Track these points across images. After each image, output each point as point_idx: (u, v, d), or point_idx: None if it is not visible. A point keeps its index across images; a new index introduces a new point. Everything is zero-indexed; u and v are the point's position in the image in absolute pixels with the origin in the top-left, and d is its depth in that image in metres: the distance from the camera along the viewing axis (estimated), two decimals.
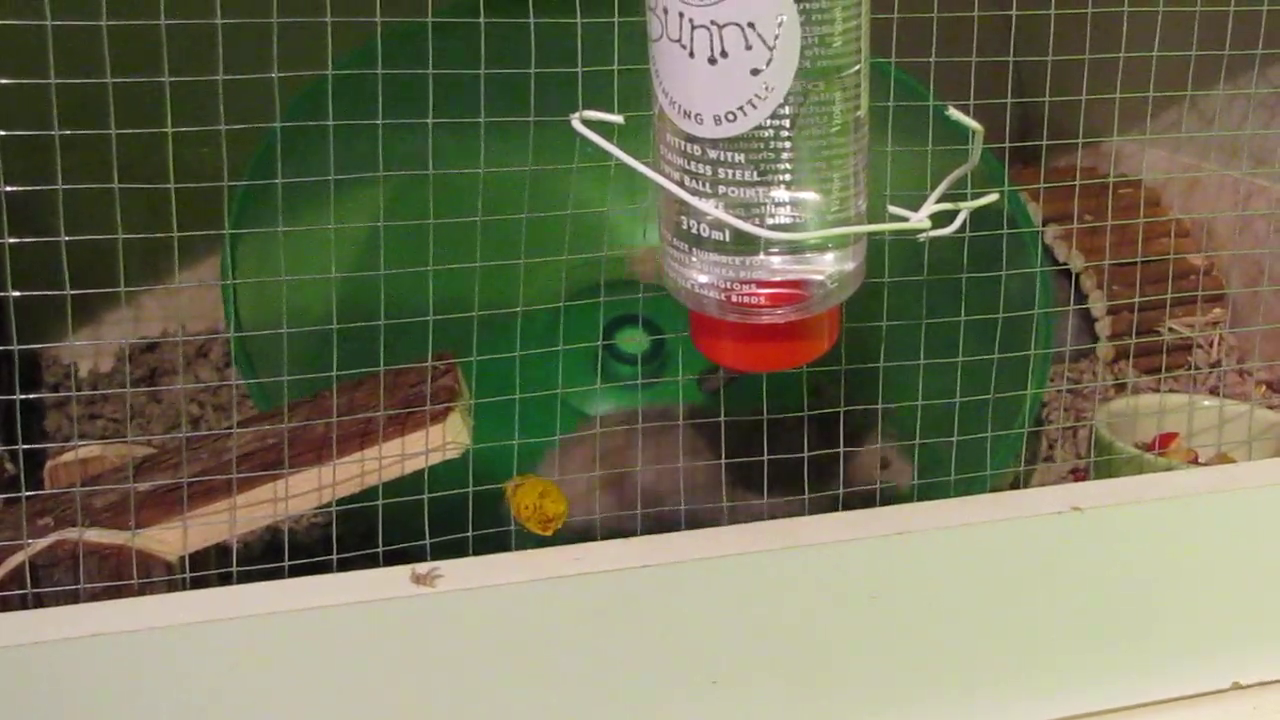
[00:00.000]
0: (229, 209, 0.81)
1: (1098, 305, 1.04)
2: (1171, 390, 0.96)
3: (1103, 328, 1.04)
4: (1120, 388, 0.99)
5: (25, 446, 0.53)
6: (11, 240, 0.52)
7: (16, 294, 0.53)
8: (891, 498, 0.80)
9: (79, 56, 0.51)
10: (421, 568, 0.57)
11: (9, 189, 0.51)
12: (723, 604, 0.60)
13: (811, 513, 0.66)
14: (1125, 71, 0.68)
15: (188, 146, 0.53)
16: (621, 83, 0.61)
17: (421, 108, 0.60)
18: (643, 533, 0.63)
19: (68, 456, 0.68)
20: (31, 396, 0.85)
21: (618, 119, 0.56)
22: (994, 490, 0.79)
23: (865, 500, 0.71)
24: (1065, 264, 1.06)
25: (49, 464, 0.68)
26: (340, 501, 0.62)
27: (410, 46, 0.66)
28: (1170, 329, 1.03)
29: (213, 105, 0.53)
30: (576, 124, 0.56)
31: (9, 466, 0.76)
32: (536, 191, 0.72)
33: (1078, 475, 0.93)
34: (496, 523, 0.64)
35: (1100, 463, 0.87)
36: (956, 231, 0.59)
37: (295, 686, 0.55)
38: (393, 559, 0.60)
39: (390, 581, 0.57)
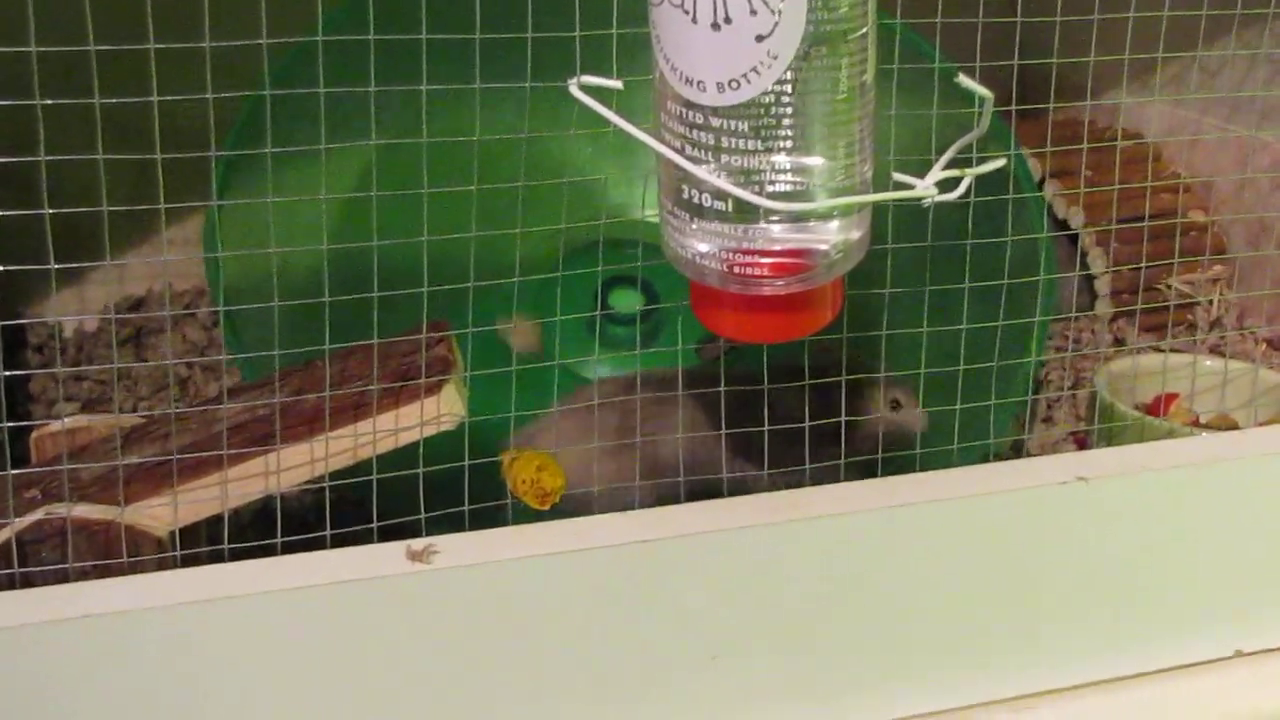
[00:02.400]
0: (215, 166, 0.79)
1: (1098, 263, 1.02)
2: (1173, 350, 0.95)
3: (1102, 285, 1.03)
4: (1119, 346, 0.99)
5: (11, 424, 0.52)
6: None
7: (1, 268, 0.52)
8: (905, 443, 0.79)
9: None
10: (417, 544, 0.56)
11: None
12: (723, 578, 0.59)
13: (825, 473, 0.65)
14: (1128, 25, 0.67)
15: (172, 90, 0.52)
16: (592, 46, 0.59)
17: (410, 60, 0.59)
18: (643, 498, 0.62)
19: (55, 426, 0.66)
20: (21, 373, 0.83)
21: (617, 84, 0.54)
22: (993, 454, 0.78)
23: (875, 449, 0.70)
24: (1064, 219, 1.05)
25: (35, 434, 0.67)
26: (333, 475, 0.61)
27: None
28: (1169, 286, 1.02)
29: (198, 55, 0.51)
30: (574, 90, 0.54)
31: None
32: (527, 148, 0.70)
33: (1078, 438, 0.93)
34: (491, 491, 0.63)
35: (1100, 425, 0.86)
36: (961, 196, 0.58)
37: (289, 666, 0.54)
38: (386, 534, 0.59)
39: (385, 558, 0.55)
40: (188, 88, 0.52)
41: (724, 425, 0.69)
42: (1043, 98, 0.76)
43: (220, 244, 0.76)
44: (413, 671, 0.56)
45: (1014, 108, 0.72)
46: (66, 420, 0.66)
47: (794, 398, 0.71)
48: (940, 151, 0.58)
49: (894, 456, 0.77)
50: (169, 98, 0.52)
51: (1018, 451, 0.86)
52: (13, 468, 0.68)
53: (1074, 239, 1.05)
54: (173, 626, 0.53)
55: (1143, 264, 0.78)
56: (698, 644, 0.59)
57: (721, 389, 0.65)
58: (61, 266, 0.53)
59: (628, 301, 0.88)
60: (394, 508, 0.61)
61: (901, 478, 0.63)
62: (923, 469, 0.66)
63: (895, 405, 0.81)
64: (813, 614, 0.61)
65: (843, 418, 0.67)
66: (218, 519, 0.61)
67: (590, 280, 0.87)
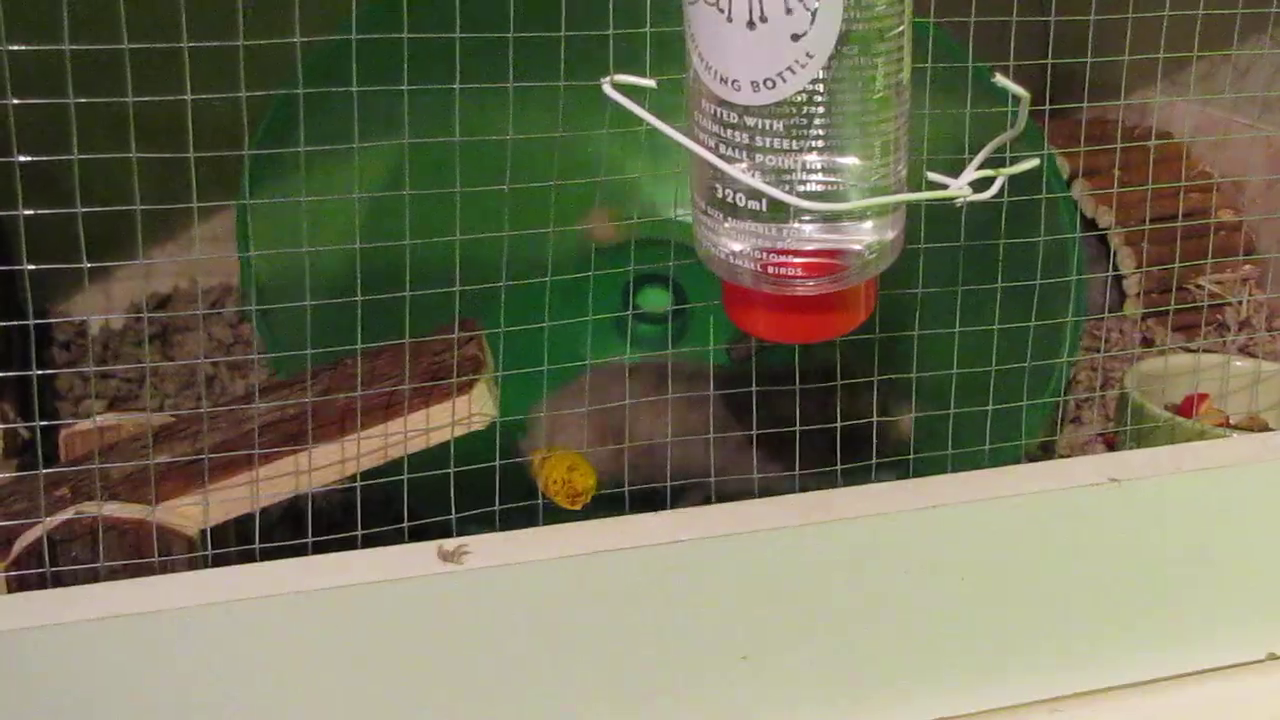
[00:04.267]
0: (245, 164, 0.79)
1: (1127, 262, 1.02)
2: (1203, 350, 0.95)
3: (1131, 285, 1.02)
4: (1148, 347, 0.98)
5: (44, 423, 0.52)
6: (28, 213, 0.50)
7: (31, 267, 0.52)
8: (900, 449, 0.79)
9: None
10: (449, 544, 0.56)
11: (25, 159, 0.50)
12: (754, 578, 0.59)
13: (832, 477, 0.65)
14: (1158, 26, 0.66)
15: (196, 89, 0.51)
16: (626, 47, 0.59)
17: (438, 61, 0.58)
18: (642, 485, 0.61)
19: (84, 425, 0.66)
20: (52, 372, 0.83)
21: (650, 83, 0.54)
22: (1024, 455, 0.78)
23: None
24: (1091, 218, 1.04)
25: (64, 432, 0.67)
26: (363, 475, 0.61)
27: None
28: (1199, 286, 1.01)
29: (220, 54, 0.51)
30: (608, 89, 0.54)
31: (23, 433, 0.74)
32: (556, 151, 0.70)
33: (1107, 440, 0.92)
34: (513, 489, 0.62)
35: (1131, 426, 0.86)
36: (994, 196, 0.57)
37: (321, 666, 0.54)
38: (415, 533, 0.59)
39: (417, 558, 0.55)
40: (209, 87, 0.51)
41: (754, 426, 0.69)
42: (1066, 96, 0.76)
43: (251, 243, 0.76)
44: (444, 672, 0.55)
45: (1047, 107, 0.72)
46: (96, 419, 0.66)
47: (791, 402, 0.71)
48: (966, 151, 0.58)
49: (921, 459, 0.77)
50: (205, 96, 0.52)
51: (1047, 452, 0.86)
52: (47, 467, 0.68)
53: (1101, 238, 1.04)
54: (204, 626, 0.53)
55: (1176, 264, 0.78)
56: (728, 644, 0.59)
57: (753, 389, 0.65)
58: (94, 265, 0.53)
59: (656, 301, 0.88)
60: (418, 507, 0.61)
61: (933, 479, 0.63)
62: (954, 471, 0.65)
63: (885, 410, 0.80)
64: (844, 615, 0.60)
65: (874, 419, 0.67)
66: (246, 518, 0.60)
67: (618, 279, 0.87)
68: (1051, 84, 0.71)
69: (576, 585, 0.56)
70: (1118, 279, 1.04)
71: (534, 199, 0.67)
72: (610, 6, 0.56)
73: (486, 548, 0.56)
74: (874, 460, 0.74)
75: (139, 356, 0.94)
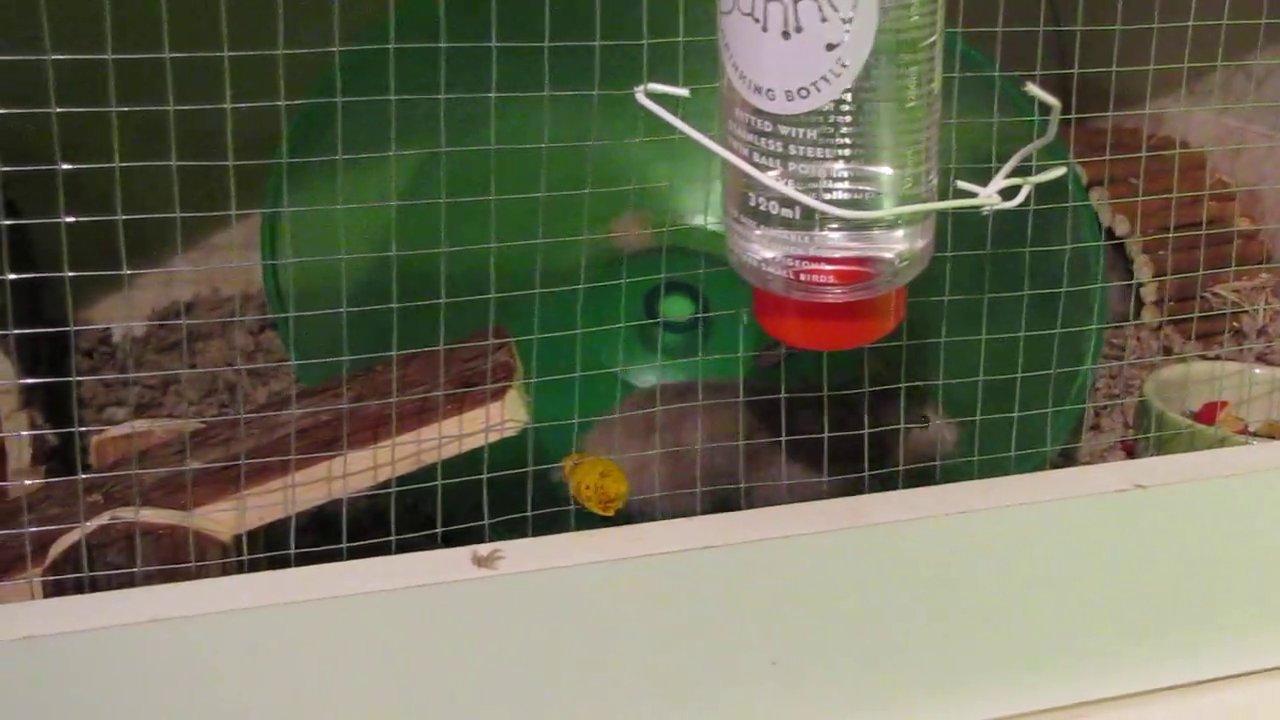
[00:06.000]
0: (270, 172, 0.79)
1: (1144, 270, 1.02)
2: (1218, 357, 0.95)
3: (1148, 293, 1.03)
4: (1168, 355, 0.98)
5: (81, 429, 0.52)
6: (69, 219, 0.51)
7: (71, 274, 0.52)
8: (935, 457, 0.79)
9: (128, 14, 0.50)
10: (483, 549, 0.56)
11: (65, 167, 0.50)
12: (784, 584, 0.59)
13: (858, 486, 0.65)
14: (1176, 35, 0.67)
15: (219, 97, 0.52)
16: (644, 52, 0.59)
17: (464, 64, 0.59)
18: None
19: (115, 431, 0.67)
20: (87, 379, 0.84)
21: (683, 92, 0.55)
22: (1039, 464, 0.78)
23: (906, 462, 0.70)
24: (1108, 227, 1.05)
25: (95, 439, 0.67)
26: (392, 481, 0.62)
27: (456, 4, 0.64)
28: (1216, 294, 1.02)
29: (250, 61, 0.52)
30: (641, 97, 0.54)
31: (50, 439, 0.75)
32: (578, 154, 0.70)
33: (1126, 447, 0.92)
34: (546, 497, 0.63)
35: (1148, 434, 0.86)
36: (1020, 205, 0.58)
37: (356, 671, 0.55)
38: (445, 539, 0.59)
39: (451, 563, 0.56)
40: (232, 96, 0.52)
41: (783, 433, 0.69)
42: (1083, 105, 0.76)
43: (273, 250, 0.76)
44: (478, 677, 0.56)
45: (1073, 116, 0.72)
46: (128, 425, 0.67)
47: (807, 413, 0.71)
48: (989, 159, 0.58)
49: (945, 467, 0.77)
50: (241, 105, 0.52)
51: (1068, 460, 0.86)
52: (73, 474, 0.68)
53: (1117, 247, 1.05)
54: (240, 631, 0.53)
55: (1196, 272, 0.78)
56: (758, 650, 0.59)
57: (782, 396, 0.65)
58: (133, 273, 0.54)
59: (679, 309, 0.88)
60: (446, 513, 0.61)
61: (959, 485, 0.63)
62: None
63: (924, 420, 0.80)
64: (871, 621, 0.61)
65: (901, 425, 0.67)
66: (274, 524, 0.61)
67: (640, 286, 0.87)
68: (1068, 93, 0.72)
69: (609, 590, 0.57)
70: (1135, 287, 1.04)
71: (556, 205, 0.67)
72: (644, 14, 0.56)
73: (520, 553, 0.56)
74: (901, 467, 0.75)
75: (162, 364, 0.94)
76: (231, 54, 0.50)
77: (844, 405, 0.72)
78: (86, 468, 0.76)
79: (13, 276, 0.52)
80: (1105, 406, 0.94)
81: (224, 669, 0.53)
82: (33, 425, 0.73)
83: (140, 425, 0.67)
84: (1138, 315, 1.04)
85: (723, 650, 0.59)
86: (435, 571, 0.55)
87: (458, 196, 0.63)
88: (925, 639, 0.62)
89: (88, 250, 0.54)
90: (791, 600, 0.59)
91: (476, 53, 0.58)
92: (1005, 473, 0.66)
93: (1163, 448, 0.84)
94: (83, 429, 0.57)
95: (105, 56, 0.50)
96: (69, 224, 0.52)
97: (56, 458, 0.76)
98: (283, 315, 0.63)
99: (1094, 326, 0.79)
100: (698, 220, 0.94)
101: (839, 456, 0.72)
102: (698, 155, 0.88)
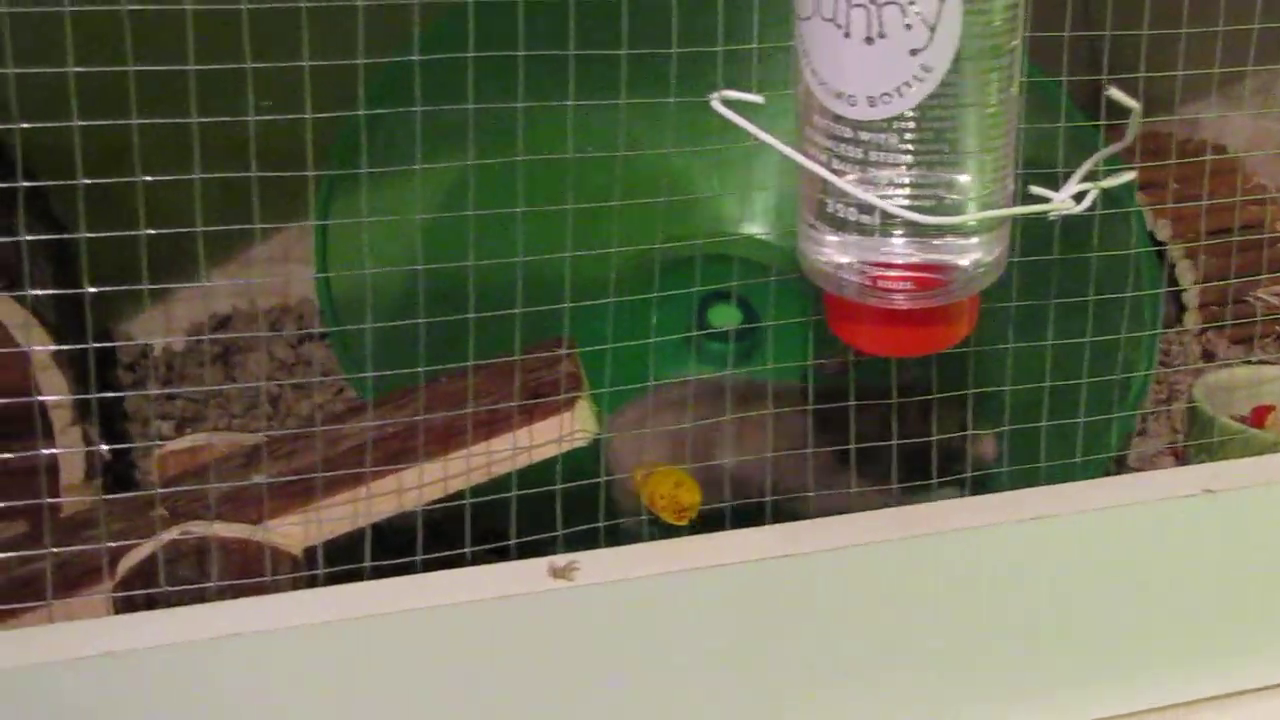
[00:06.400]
0: (319, 184, 0.79)
1: (1186, 275, 1.02)
2: (1263, 361, 0.95)
3: (1191, 298, 1.03)
4: (1212, 360, 0.98)
5: (149, 444, 0.52)
6: (89, 235, 0.50)
7: (93, 290, 0.52)
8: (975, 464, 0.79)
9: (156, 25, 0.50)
10: (559, 560, 0.55)
11: (89, 181, 0.50)
12: (857, 592, 0.59)
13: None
14: (1209, 39, 0.67)
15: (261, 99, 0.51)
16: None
17: (500, 75, 0.58)
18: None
19: (176, 445, 0.66)
20: (150, 393, 0.83)
21: (758, 98, 0.54)
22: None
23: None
24: (1150, 231, 1.04)
25: (158, 452, 0.67)
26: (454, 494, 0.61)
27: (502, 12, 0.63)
28: (1257, 298, 1.01)
29: (287, 75, 0.51)
30: (716, 104, 0.54)
31: (103, 454, 0.74)
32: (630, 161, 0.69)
33: (1174, 452, 0.92)
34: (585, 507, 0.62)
35: (1199, 438, 0.86)
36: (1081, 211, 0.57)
37: (433, 684, 0.54)
38: (503, 552, 0.59)
39: (528, 575, 0.55)
40: (272, 108, 0.51)
41: (852, 441, 0.69)
42: (1114, 111, 0.76)
43: (324, 261, 0.76)
44: (556, 688, 0.55)
45: (1102, 122, 0.72)
46: (187, 439, 0.66)
47: (867, 420, 0.71)
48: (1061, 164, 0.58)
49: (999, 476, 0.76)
50: (279, 116, 0.52)
51: (1120, 466, 0.86)
52: (124, 488, 0.68)
53: (1158, 252, 1.04)
54: (317, 645, 0.53)
55: (1233, 277, 0.78)
56: (834, 658, 0.59)
57: (851, 403, 0.65)
58: (185, 286, 0.53)
59: (726, 318, 0.88)
60: (503, 525, 0.61)
61: (1030, 491, 0.63)
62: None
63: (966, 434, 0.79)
64: (945, 628, 0.60)
65: (968, 432, 0.67)
66: (335, 538, 0.61)
67: (687, 295, 0.87)
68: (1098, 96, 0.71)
69: (686, 600, 0.56)
70: (1177, 292, 1.04)
71: (599, 213, 0.67)
72: (720, 22, 0.56)
73: (597, 563, 0.56)
74: (967, 475, 0.75)
75: (203, 378, 0.94)
76: (312, 63, 0.50)
77: (879, 414, 0.71)
78: (136, 483, 0.76)
79: (34, 292, 0.52)
80: (1155, 412, 0.93)
81: (304, 683, 0.53)
82: (87, 439, 0.73)
83: (199, 439, 0.66)
84: (1179, 320, 1.04)
85: (799, 659, 0.59)
86: (512, 583, 0.55)
87: (507, 205, 0.63)
88: (996, 647, 0.62)
89: (127, 265, 0.54)
90: (864, 608, 0.59)
91: (528, 62, 0.58)
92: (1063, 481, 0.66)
93: (1213, 453, 0.84)
94: (143, 444, 0.57)
95: (127, 69, 0.49)
96: (105, 239, 0.52)
97: (109, 473, 0.75)
98: (354, 327, 0.62)
99: (1148, 333, 0.79)
100: (749, 229, 0.94)
101: (881, 465, 0.72)
102: (742, 164, 0.88)
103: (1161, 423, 0.94)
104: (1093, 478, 0.66)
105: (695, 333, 0.85)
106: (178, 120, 0.51)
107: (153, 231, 0.51)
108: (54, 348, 0.70)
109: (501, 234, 0.62)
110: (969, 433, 0.76)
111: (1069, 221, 0.68)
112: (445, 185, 0.84)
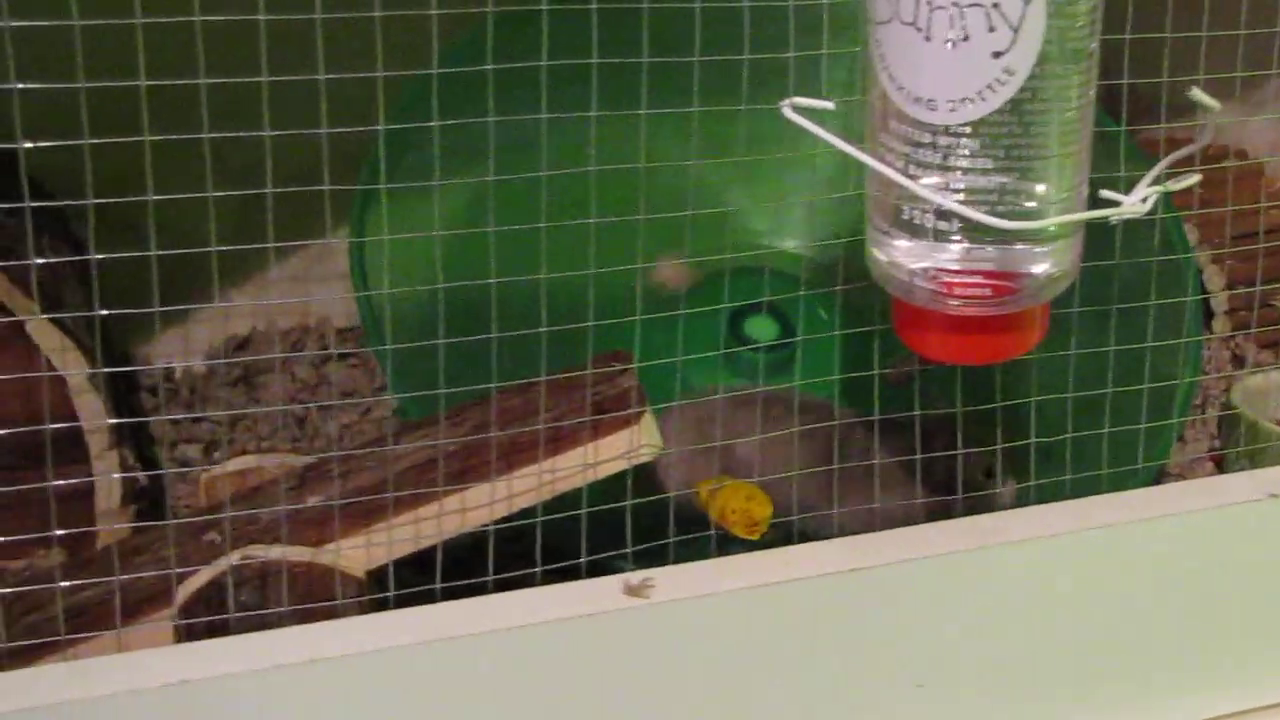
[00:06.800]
0: (354, 198, 0.78)
1: (1214, 280, 1.02)
2: None
3: (1219, 303, 1.02)
4: (1242, 365, 0.98)
5: (197, 469, 0.51)
6: (100, 256, 0.49)
7: (105, 313, 0.51)
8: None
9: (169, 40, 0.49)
10: (633, 578, 0.55)
11: (101, 201, 0.48)
12: (928, 604, 0.58)
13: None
14: (1227, 43, 0.66)
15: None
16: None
17: (523, 87, 0.57)
18: None
19: (222, 468, 0.65)
20: (199, 415, 0.82)
21: (829, 105, 0.54)
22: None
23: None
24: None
25: (205, 476, 0.65)
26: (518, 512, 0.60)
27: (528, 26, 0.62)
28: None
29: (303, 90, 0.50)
30: (788, 111, 0.53)
31: (140, 478, 0.73)
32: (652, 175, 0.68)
33: (1215, 458, 0.92)
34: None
35: (1239, 443, 0.85)
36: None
37: (509, 707, 0.53)
38: (562, 573, 0.58)
39: (602, 593, 0.54)
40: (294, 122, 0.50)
41: (919, 453, 0.68)
42: (1137, 115, 0.75)
43: (363, 277, 0.75)
44: (632, 708, 0.54)
45: (1124, 127, 0.72)
46: (234, 462, 0.65)
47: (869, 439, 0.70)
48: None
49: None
50: (303, 131, 0.50)
51: (1161, 475, 0.85)
52: (158, 513, 0.67)
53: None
54: (389, 670, 0.51)
55: (1258, 283, 0.78)
56: (903, 671, 0.58)
57: (916, 413, 0.64)
58: (214, 306, 0.52)
59: (762, 330, 0.87)
60: (556, 543, 0.60)
61: (1093, 499, 0.63)
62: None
63: (988, 473, 0.78)
64: (1012, 639, 0.60)
65: (998, 445, 0.66)
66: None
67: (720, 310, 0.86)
68: (1115, 103, 0.71)
69: (761, 615, 0.55)
70: (1205, 298, 1.04)
71: (615, 228, 0.66)
72: (790, 27, 0.55)
73: (670, 580, 0.55)
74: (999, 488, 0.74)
75: (229, 399, 0.93)
76: (329, 76, 0.48)
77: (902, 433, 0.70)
78: (168, 508, 0.74)
79: (45, 317, 0.51)
80: (1193, 419, 0.93)
81: (379, 708, 0.52)
82: (123, 464, 0.71)
83: (248, 460, 0.65)
84: (1209, 326, 1.04)
85: (868, 672, 0.58)
86: (586, 602, 0.54)
87: (515, 218, 0.62)
88: (1061, 656, 0.61)
89: (144, 287, 0.52)
90: (936, 620, 0.59)
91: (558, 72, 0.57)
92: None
93: (1255, 459, 0.83)
94: (193, 469, 0.56)
95: (139, 83, 0.48)
96: (123, 262, 0.51)
97: (145, 498, 0.74)
98: (413, 344, 0.61)
99: (1186, 339, 0.79)
100: (785, 243, 0.93)
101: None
102: (775, 176, 0.87)
103: (1198, 429, 0.94)
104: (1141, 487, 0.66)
105: (744, 347, 0.84)
106: (186, 136, 0.50)
107: (163, 252, 0.50)
108: (89, 370, 0.68)
109: (519, 248, 0.61)
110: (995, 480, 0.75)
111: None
112: (460, 203, 0.83)
